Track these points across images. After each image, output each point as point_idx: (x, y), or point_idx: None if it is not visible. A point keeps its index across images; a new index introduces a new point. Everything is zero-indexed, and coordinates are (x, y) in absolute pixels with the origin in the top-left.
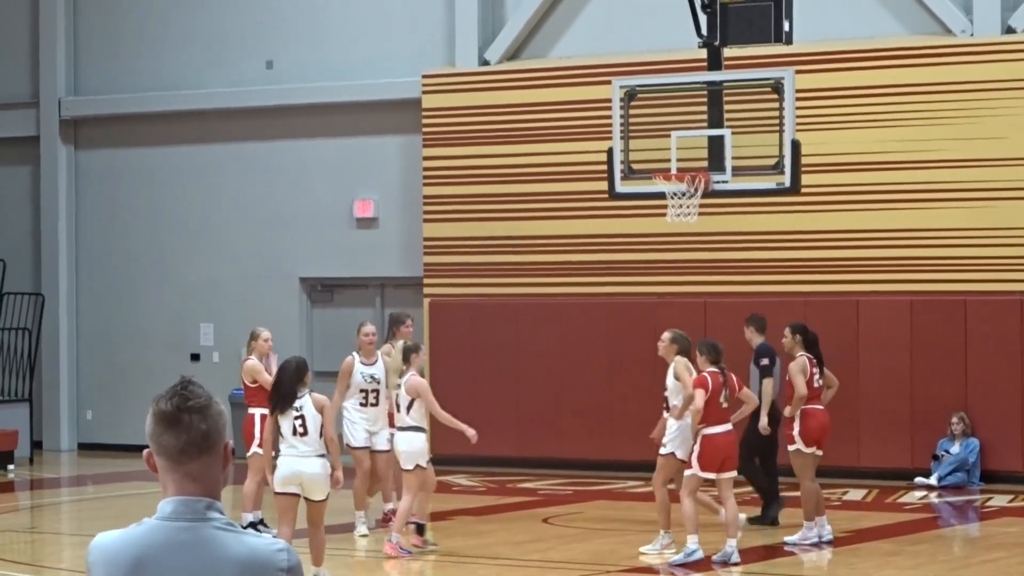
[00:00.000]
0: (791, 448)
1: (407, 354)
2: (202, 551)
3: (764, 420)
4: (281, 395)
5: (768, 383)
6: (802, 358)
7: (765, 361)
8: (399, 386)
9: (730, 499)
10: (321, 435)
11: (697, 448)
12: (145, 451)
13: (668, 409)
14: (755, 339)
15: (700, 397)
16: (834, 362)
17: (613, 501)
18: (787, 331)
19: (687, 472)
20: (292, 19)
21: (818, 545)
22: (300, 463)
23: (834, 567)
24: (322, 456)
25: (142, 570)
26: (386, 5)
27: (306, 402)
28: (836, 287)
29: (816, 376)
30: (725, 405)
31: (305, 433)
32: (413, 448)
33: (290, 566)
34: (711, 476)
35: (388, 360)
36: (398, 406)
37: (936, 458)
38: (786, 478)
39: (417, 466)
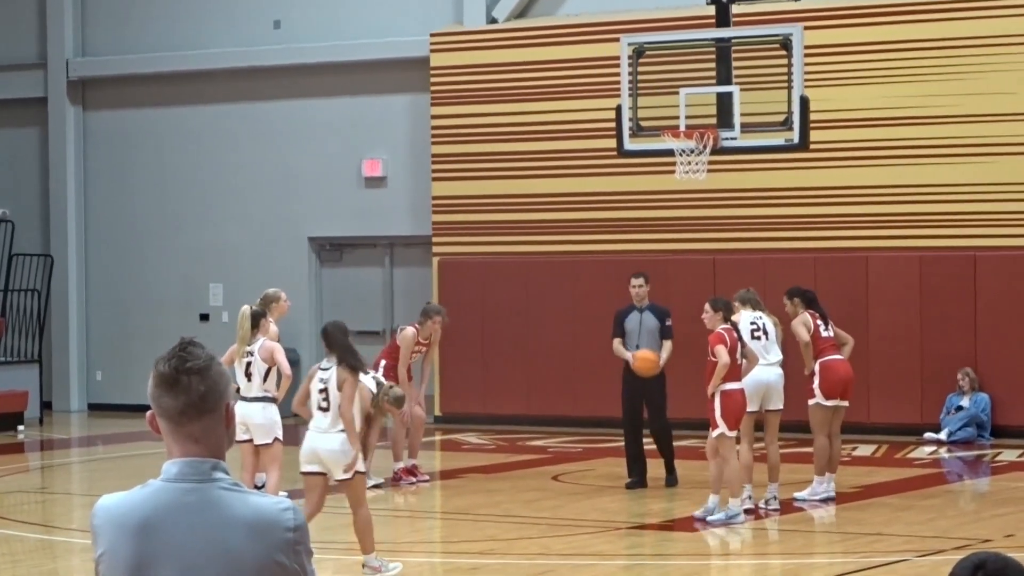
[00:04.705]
0: (811, 402)
1: (256, 319)
2: (208, 512)
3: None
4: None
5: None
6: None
7: None
8: (250, 354)
9: (732, 456)
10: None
11: (719, 407)
12: (148, 413)
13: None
14: None
15: (724, 353)
16: (843, 318)
17: (623, 459)
18: (785, 299)
19: (715, 433)
20: None
21: (828, 501)
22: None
23: (843, 522)
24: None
25: (149, 532)
26: None
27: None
28: (845, 243)
29: (823, 328)
30: (740, 362)
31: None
32: (273, 419)
33: (296, 525)
34: (735, 434)
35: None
36: (249, 375)
37: (948, 413)
38: (794, 434)
39: (276, 439)
